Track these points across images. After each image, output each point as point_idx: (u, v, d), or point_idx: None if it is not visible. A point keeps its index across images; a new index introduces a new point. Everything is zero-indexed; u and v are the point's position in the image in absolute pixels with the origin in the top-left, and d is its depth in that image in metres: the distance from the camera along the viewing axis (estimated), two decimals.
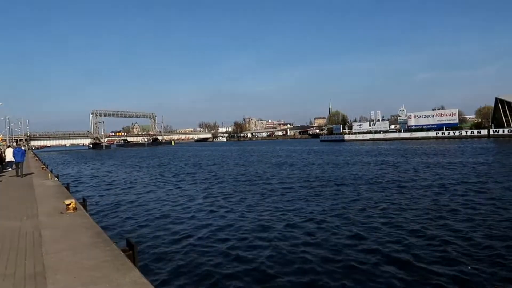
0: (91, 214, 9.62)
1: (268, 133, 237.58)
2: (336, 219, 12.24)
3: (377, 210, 13.29)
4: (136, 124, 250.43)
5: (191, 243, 10.09)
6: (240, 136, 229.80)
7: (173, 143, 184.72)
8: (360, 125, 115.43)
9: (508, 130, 79.96)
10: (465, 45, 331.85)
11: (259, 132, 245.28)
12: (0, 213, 8.87)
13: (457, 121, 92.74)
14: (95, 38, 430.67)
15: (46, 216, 8.18)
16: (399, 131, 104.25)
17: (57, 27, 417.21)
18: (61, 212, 8.54)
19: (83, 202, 11.76)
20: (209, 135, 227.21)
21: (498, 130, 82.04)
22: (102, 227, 8.02)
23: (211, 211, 14.30)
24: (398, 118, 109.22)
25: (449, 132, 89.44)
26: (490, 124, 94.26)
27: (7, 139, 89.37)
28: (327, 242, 9.76)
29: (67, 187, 15.90)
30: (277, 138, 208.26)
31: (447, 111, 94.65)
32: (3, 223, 7.70)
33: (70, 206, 8.59)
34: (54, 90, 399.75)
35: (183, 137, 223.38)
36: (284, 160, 41.07)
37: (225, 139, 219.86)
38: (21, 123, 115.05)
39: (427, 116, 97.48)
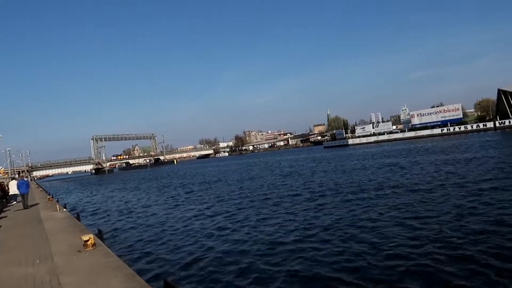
0: (111, 249, 8.47)
1: (270, 144, 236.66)
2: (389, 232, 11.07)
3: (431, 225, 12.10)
4: (136, 146, 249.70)
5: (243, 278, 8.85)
6: (242, 150, 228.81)
7: (175, 162, 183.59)
8: (363, 128, 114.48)
9: None
10: (455, 39, 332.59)
11: (261, 144, 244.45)
12: (9, 256, 7.73)
13: (461, 116, 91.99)
14: (90, 61, 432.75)
15: (62, 257, 7.05)
16: (403, 131, 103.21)
17: (53, 51, 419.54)
18: (79, 250, 7.41)
19: (100, 235, 10.64)
20: (211, 151, 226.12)
21: (504, 122, 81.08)
22: (129, 264, 6.89)
23: (253, 241, 11.82)
24: (401, 118, 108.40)
25: (454, 128, 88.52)
26: (492, 117, 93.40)
27: (9, 171, 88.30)
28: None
29: (78, 217, 14.79)
30: (279, 149, 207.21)
31: (450, 107, 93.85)
32: (13, 270, 6.57)
33: (88, 243, 7.46)
34: (53, 118, 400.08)
35: (184, 155, 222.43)
36: (297, 170, 39.91)
37: (227, 154, 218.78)
38: (21, 154, 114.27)
39: (430, 113, 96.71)
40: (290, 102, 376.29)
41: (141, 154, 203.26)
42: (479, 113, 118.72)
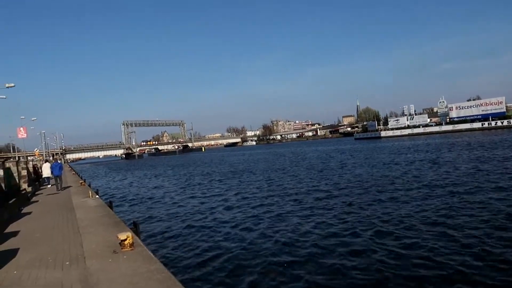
0: (150, 249, 7.32)
1: (298, 134, 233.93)
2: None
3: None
4: (165, 132, 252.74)
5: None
6: (269, 139, 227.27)
7: (203, 150, 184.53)
8: (397, 120, 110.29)
9: None
10: (493, 30, 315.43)
11: (288, 134, 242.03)
12: (35, 254, 6.69)
13: (505, 110, 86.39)
14: (120, 48, 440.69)
15: (96, 259, 5.92)
16: (440, 124, 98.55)
17: (89, 37, 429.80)
18: (115, 251, 6.27)
19: (135, 228, 9.58)
20: (238, 140, 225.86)
21: None
22: (173, 272, 5.72)
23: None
24: (438, 111, 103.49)
25: (496, 122, 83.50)
26: None
27: (44, 153, 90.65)
28: None
29: (110, 205, 13.90)
30: (307, 139, 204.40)
31: (493, 100, 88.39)
32: (39, 274, 5.48)
33: (126, 242, 6.29)
34: (86, 103, 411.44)
35: (212, 142, 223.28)
36: (341, 161, 38.23)
37: (254, 143, 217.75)
38: (56, 137, 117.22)
39: (470, 106, 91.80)
40: (318, 93, 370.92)
41: (169, 141, 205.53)
42: None
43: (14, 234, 8.74)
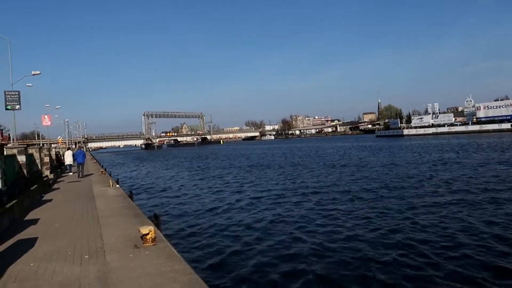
0: (172, 244, 6.90)
1: (317, 130, 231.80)
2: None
3: None
4: (184, 124, 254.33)
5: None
6: (288, 134, 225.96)
7: (221, 142, 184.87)
8: (421, 118, 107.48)
9: None
10: None
11: (308, 129, 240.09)
12: (54, 245, 6.36)
13: None
14: (142, 40, 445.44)
15: (117, 254, 5.52)
16: (466, 123, 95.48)
17: (109, 30, 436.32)
18: (136, 246, 5.86)
19: (156, 220, 9.21)
20: (257, 134, 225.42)
21: None
22: (198, 271, 5.26)
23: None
24: (465, 110, 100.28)
25: None
26: None
27: (67, 141, 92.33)
28: None
29: (131, 195, 13.64)
30: (326, 135, 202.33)
31: None
32: (56, 267, 5.11)
33: (148, 237, 5.88)
34: (108, 93, 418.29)
35: (231, 135, 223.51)
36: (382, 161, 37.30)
37: (273, 137, 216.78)
38: (79, 125, 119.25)
39: (499, 106, 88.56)
40: (338, 89, 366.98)
41: (188, 132, 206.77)
42: None
43: (34, 222, 8.49)
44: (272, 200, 16.50)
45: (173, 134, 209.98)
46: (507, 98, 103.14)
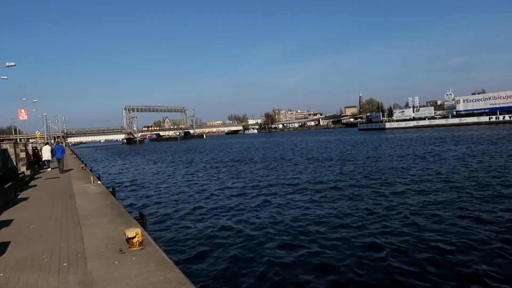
0: (161, 247, 6.36)
1: (300, 124, 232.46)
2: None
3: None
4: (167, 119, 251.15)
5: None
6: (271, 128, 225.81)
7: (205, 136, 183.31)
8: (403, 111, 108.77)
9: None
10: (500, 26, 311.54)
11: (291, 123, 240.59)
12: (28, 251, 5.70)
13: None
14: (124, 33, 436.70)
15: (99, 260, 4.93)
16: (446, 117, 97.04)
17: (91, 25, 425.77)
18: (121, 250, 5.29)
19: (142, 220, 8.61)
20: (240, 128, 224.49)
21: None
22: (187, 274, 4.75)
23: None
24: (445, 103, 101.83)
25: (504, 117, 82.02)
26: None
27: (45, 136, 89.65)
28: None
29: (113, 192, 12.93)
30: (309, 129, 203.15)
31: (501, 94, 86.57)
32: (30, 278, 4.50)
33: (134, 240, 5.32)
34: (88, 87, 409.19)
35: (214, 130, 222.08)
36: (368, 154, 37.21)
37: (256, 131, 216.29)
38: (57, 120, 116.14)
39: (478, 100, 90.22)
40: (320, 83, 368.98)
41: (171, 127, 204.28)
42: None
43: (7, 223, 7.77)
44: (256, 196, 16.04)
45: (155, 128, 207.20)
46: (483, 92, 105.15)
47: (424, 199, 12.91)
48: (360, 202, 13.23)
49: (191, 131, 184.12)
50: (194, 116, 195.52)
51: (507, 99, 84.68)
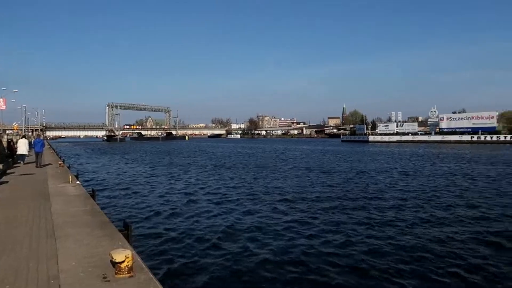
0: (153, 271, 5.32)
1: (283, 131, 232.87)
2: None
3: None
4: (149, 118, 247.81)
5: None
6: (254, 133, 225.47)
7: (187, 138, 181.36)
8: (387, 125, 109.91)
9: None
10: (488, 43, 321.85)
11: (274, 130, 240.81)
12: None
13: (495, 125, 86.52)
14: (111, 31, 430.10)
15: None
16: (429, 133, 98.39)
17: (77, 21, 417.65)
18: (105, 277, 4.24)
19: (127, 231, 7.47)
20: (223, 132, 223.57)
21: None
22: None
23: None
24: (429, 120, 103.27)
25: (485, 137, 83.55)
26: None
27: (23, 128, 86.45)
28: None
29: (93, 194, 11.73)
30: (292, 137, 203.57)
31: (485, 114, 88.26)
32: None
33: (123, 266, 4.27)
34: (71, 81, 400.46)
35: (196, 132, 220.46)
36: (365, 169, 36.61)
37: (239, 136, 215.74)
38: (37, 112, 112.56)
39: (461, 118, 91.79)
40: (305, 93, 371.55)
41: (153, 126, 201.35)
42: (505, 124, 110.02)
43: None
44: (239, 203, 15.10)
45: (137, 127, 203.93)
46: (464, 111, 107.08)
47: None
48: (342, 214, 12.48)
49: (174, 132, 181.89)
50: (178, 117, 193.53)
51: (489, 119, 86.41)
